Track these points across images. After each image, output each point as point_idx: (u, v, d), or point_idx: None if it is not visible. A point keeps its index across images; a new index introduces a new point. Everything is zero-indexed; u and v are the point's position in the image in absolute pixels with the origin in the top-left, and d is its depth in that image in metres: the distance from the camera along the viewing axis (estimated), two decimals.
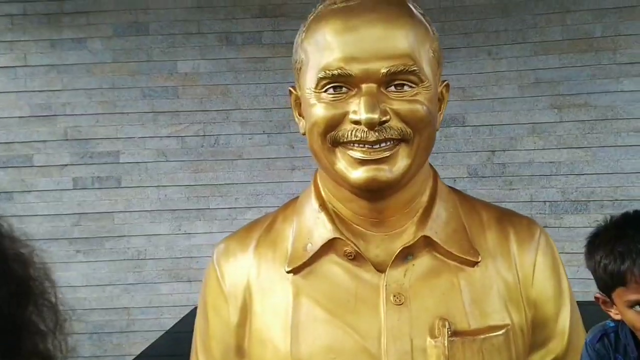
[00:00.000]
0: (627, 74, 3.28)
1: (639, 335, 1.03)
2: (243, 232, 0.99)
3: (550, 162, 3.35)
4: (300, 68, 0.88)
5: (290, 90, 0.93)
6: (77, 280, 3.44)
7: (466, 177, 3.37)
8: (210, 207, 3.47)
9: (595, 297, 1.08)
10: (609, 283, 1.03)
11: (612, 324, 1.08)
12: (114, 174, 3.49)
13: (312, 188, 0.94)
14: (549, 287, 0.93)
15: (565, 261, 3.39)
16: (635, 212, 1.08)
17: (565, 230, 3.33)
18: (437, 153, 3.37)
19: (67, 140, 3.47)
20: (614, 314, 1.06)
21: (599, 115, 3.31)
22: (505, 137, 3.36)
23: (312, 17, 0.87)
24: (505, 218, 0.95)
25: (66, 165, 3.48)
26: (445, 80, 0.92)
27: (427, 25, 0.86)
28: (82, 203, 3.48)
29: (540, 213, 3.35)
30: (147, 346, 2.69)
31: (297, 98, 0.90)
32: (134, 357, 2.83)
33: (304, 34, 0.87)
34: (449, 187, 0.97)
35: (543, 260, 0.92)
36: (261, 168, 3.43)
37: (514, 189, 3.37)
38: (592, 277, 3.58)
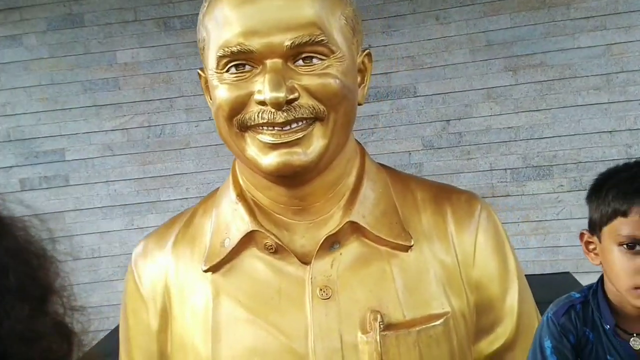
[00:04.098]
0: (582, 29, 3.46)
1: (613, 284, 1.02)
2: (162, 228, 1.00)
3: (509, 128, 3.55)
4: (204, 47, 0.88)
5: (199, 73, 0.93)
6: None
7: (421, 149, 3.59)
8: (161, 199, 3.74)
9: (581, 234, 1.09)
10: (609, 214, 1.01)
11: (577, 295, 1.08)
12: (61, 172, 3.76)
13: (230, 177, 0.95)
14: (493, 267, 0.94)
15: (531, 230, 3.60)
16: None
17: (529, 197, 3.54)
18: (389, 127, 3.59)
19: (10, 141, 3.75)
20: (594, 256, 1.07)
21: (556, 74, 3.50)
22: (460, 105, 3.56)
23: None
24: (443, 196, 0.96)
25: (12, 166, 3.76)
26: (366, 49, 0.92)
27: None
28: (31, 204, 3.74)
29: (501, 181, 3.57)
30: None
31: (207, 81, 0.89)
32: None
33: (205, 9, 0.87)
34: (380, 164, 0.98)
35: (484, 238, 0.94)
36: (210, 155, 3.68)
37: (472, 158, 3.58)
38: (560, 245, 3.73)
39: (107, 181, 3.76)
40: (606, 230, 1.02)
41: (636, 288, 0.98)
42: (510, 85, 3.53)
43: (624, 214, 0.99)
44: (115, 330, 1.05)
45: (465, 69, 3.55)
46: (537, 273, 3.37)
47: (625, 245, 0.99)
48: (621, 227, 0.99)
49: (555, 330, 1.03)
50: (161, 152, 3.72)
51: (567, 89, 3.50)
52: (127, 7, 3.68)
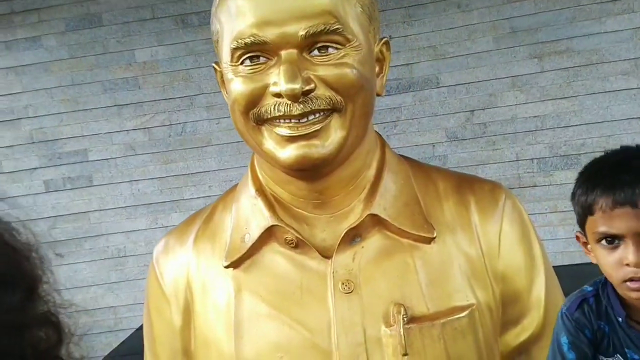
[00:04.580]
0: (609, 12, 3.39)
1: (610, 279, 1.01)
2: (183, 225, 1.01)
3: (535, 117, 3.51)
4: (217, 40, 0.87)
5: (214, 67, 0.93)
6: (60, 284, 3.79)
7: (445, 141, 3.56)
8: (185, 198, 3.76)
9: (576, 236, 1.07)
10: (581, 214, 1.02)
11: (589, 288, 1.05)
12: (85, 172, 3.80)
13: (249, 172, 0.95)
14: (519, 257, 0.93)
15: (559, 220, 3.57)
16: (622, 146, 1.09)
17: (557, 187, 3.50)
18: (412, 119, 3.57)
19: (33, 143, 3.79)
20: (593, 256, 1.05)
21: (583, 60, 3.44)
22: (484, 95, 3.52)
23: None
24: (465, 185, 0.95)
25: (36, 168, 3.81)
26: (384, 38, 0.91)
27: None
28: (56, 206, 3.82)
29: (528, 172, 3.53)
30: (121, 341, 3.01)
31: (223, 75, 0.89)
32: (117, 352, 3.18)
33: (218, 1, 0.87)
34: (401, 156, 0.98)
35: (510, 228, 0.93)
36: (232, 153, 3.69)
37: (497, 149, 3.54)
38: None
39: (130, 181, 3.79)
40: (586, 229, 1.01)
41: (625, 281, 0.96)
42: (536, 72, 3.48)
43: (590, 212, 0.98)
44: (142, 328, 1.06)
45: (489, 58, 3.50)
46: (566, 264, 3.34)
47: (603, 241, 0.97)
48: (592, 225, 0.98)
49: (570, 325, 1.01)
50: (183, 150, 3.74)
51: (594, 75, 3.44)
52: (145, 5, 3.69)
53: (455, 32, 3.52)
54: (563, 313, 1.03)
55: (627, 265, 0.94)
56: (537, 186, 3.51)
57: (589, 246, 1.04)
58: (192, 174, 3.75)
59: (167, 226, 3.76)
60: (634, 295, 0.96)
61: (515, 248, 0.93)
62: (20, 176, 3.82)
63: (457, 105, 3.55)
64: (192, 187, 3.76)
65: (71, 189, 3.81)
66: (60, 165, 3.81)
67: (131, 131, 3.76)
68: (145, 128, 3.75)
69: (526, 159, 3.53)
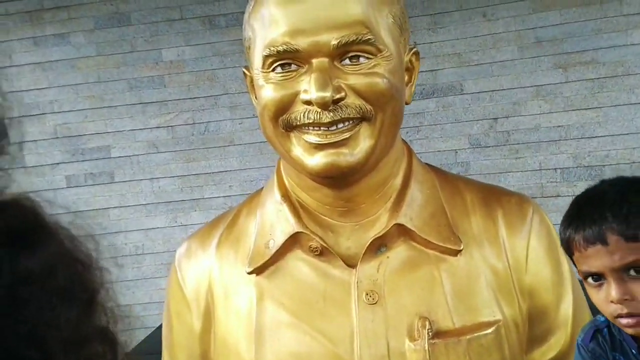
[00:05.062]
0: (636, 25, 3.40)
1: (603, 312, 0.99)
2: (205, 229, 1.01)
3: (559, 126, 3.51)
4: (249, 47, 0.88)
5: (244, 72, 0.94)
6: None
7: (468, 148, 3.56)
8: (205, 197, 3.78)
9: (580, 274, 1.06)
10: (567, 254, 1.00)
11: (602, 319, 1.02)
12: (107, 169, 3.83)
13: (275, 177, 0.95)
14: (546, 273, 0.92)
15: None
16: (602, 180, 1.06)
17: None
18: (435, 124, 3.58)
19: (57, 138, 3.84)
20: None
21: (608, 72, 3.45)
22: (508, 103, 3.53)
23: None
24: (493, 198, 0.94)
25: (58, 163, 3.85)
26: (414, 48, 0.92)
27: None
28: (76, 201, 3.84)
29: (551, 181, 3.52)
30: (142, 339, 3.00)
31: (252, 80, 0.90)
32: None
33: (251, 7, 0.87)
34: (427, 165, 0.98)
35: (537, 243, 0.92)
36: (254, 153, 3.71)
37: (520, 158, 3.54)
38: None
39: (151, 178, 3.81)
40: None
41: (615, 317, 0.94)
42: (561, 82, 3.49)
43: (571, 252, 0.96)
44: (158, 329, 1.06)
45: (513, 66, 3.52)
46: None
47: (589, 279, 0.95)
48: (577, 264, 0.97)
49: (587, 356, 1.00)
50: (205, 149, 3.76)
51: (619, 86, 3.44)
52: (173, 5, 3.75)
53: (480, 40, 3.54)
54: (579, 344, 1.02)
55: (613, 302, 0.92)
56: (560, 196, 3.50)
57: None
58: (213, 173, 3.77)
59: (186, 225, 3.77)
60: (629, 331, 0.94)
61: (542, 263, 0.92)
62: (43, 170, 3.85)
63: (480, 113, 3.56)
64: (212, 186, 3.77)
65: (92, 184, 3.84)
66: (83, 161, 3.84)
67: (154, 129, 3.80)
68: (168, 126, 3.78)
69: (549, 169, 3.52)
